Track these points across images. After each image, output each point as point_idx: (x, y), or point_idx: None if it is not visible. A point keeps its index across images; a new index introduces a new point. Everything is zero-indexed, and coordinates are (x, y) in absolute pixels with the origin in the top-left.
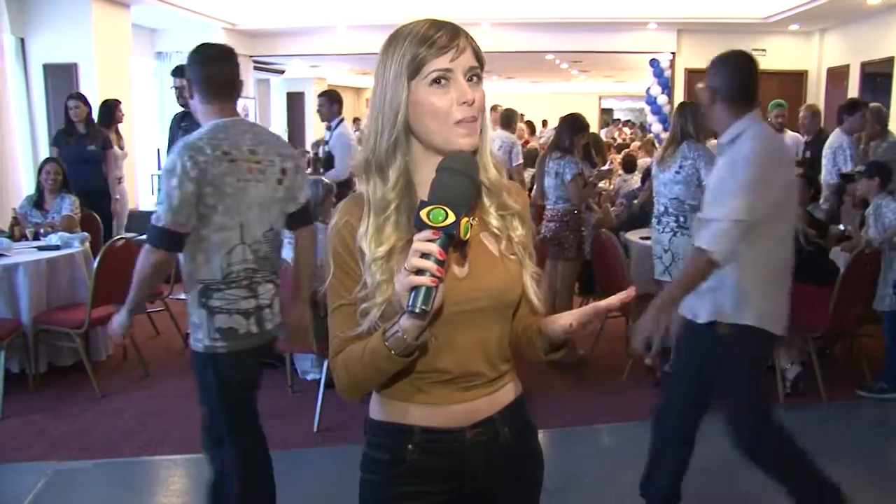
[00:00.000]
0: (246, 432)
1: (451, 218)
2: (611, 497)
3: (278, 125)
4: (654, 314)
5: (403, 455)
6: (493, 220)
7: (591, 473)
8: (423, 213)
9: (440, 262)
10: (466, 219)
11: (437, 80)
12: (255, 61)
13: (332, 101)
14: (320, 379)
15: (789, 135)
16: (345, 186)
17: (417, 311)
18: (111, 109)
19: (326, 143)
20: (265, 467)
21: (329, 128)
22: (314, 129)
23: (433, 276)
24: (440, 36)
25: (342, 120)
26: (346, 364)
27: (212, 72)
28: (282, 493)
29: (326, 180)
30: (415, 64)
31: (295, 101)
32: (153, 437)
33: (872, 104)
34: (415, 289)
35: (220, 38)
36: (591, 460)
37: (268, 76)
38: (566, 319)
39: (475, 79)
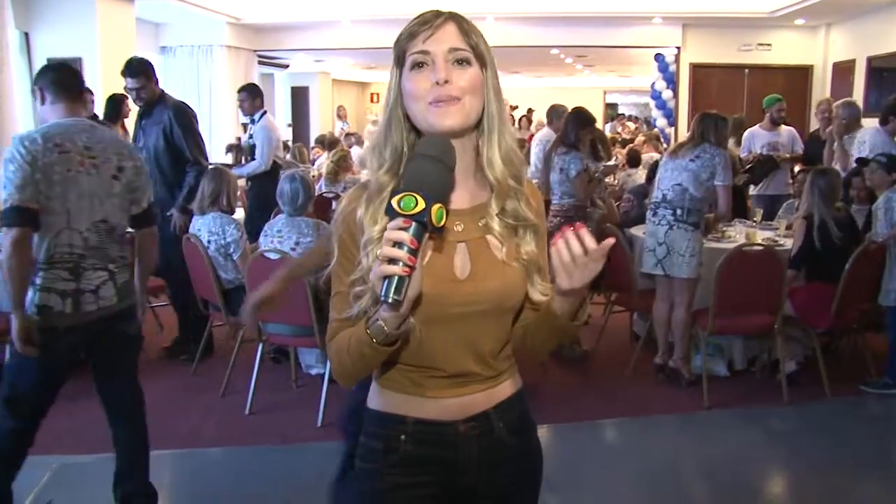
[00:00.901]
0: (32, 413)
1: (421, 205)
2: (613, 492)
3: (282, 120)
4: None
5: (396, 445)
6: (496, 226)
7: (594, 468)
8: (394, 201)
9: (413, 251)
10: (439, 205)
11: (415, 64)
12: (260, 56)
13: (253, 96)
14: (324, 373)
15: (786, 129)
16: (266, 177)
17: (390, 301)
18: (118, 104)
19: (250, 136)
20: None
21: (252, 121)
22: (319, 123)
23: (405, 265)
24: (419, 20)
25: (265, 112)
26: (337, 350)
27: (59, 77)
28: (285, 486)
29: (303, 173)
30: (399, 50)
31: (299, 96)
32: (158, 432)
33: (848, 99)
34: (387, 278)
35: (224, 32)
36: (593, 455)
37: (272, 71)
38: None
39: (460, 60)
